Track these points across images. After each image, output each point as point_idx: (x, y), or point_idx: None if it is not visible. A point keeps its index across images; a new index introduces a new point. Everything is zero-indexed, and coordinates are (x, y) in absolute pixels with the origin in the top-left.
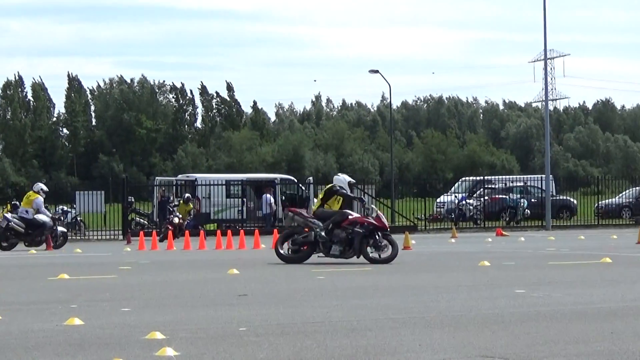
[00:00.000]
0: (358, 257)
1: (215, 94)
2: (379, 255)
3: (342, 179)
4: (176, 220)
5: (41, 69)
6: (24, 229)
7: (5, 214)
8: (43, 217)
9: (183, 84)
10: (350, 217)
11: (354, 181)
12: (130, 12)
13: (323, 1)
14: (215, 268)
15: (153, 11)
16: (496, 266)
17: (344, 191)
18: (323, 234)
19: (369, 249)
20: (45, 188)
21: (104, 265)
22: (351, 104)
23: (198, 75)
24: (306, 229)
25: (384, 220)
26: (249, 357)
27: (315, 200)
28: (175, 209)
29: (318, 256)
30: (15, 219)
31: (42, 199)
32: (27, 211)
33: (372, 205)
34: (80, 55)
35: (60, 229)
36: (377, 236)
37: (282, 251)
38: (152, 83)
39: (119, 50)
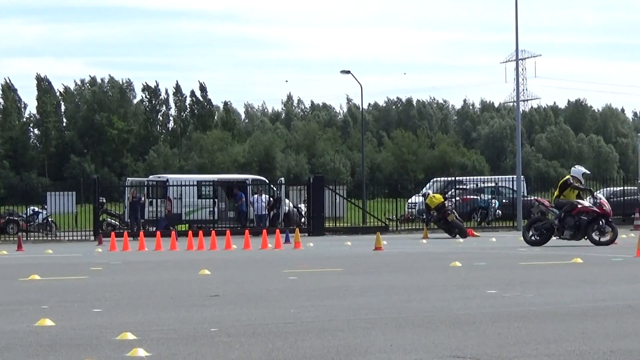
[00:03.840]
0: (586, 240)
1: (189, 94)
2: (599, 239)
3: (577, 171)
4: None
5: (11, 70)
6: None
7: None
8: None
9: (157, 84)
10: (578, 206)
11: (589, 172)
12: (100, 13)
13: (294, 2)
14: (187, 269)
15: (123, 11)
16: (468, 267)
17: (576, 184)
18: (556, 221)
19: (593, 233)
20: None
21: (75, 266)
22: (322, 104)
23: (170, 75)
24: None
25: (607, 208)
26: (220, 358)
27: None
28: None
29: (556, 238)
30: None
31: None
32: None
33: (599, 194)
34: (51, 55)
35: None
36: (601, 222)
37: (528, 236)
38: (123, 83)
39: (90, 51)
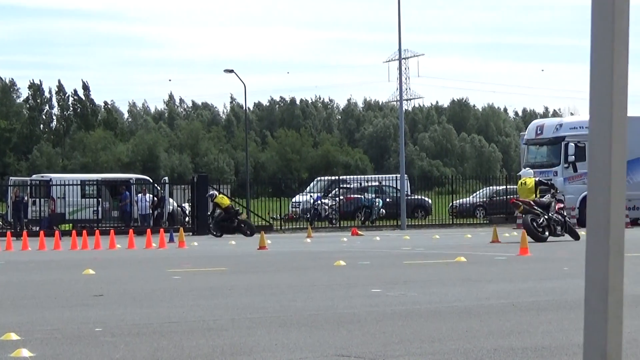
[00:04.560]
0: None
1: (72, 93)
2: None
3: (530, 172)
4: None
5: None
6: None
7: None
8: None
9: (41, 83)
10: (559, 204)
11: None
12: None
13: (177, 1)
14: (71, 268)
15: (4, 10)
16: (352, 266)
17: (551, 182)
18: (558, 217)
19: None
20: None
21: None
22: (204, 103)
23: (53, 74)
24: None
25: None
26: (104, 358)
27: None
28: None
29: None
30: None
31: None
32: None
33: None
34: None
35: None
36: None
37: (537, 233)
38: (6, 82)
39: None
